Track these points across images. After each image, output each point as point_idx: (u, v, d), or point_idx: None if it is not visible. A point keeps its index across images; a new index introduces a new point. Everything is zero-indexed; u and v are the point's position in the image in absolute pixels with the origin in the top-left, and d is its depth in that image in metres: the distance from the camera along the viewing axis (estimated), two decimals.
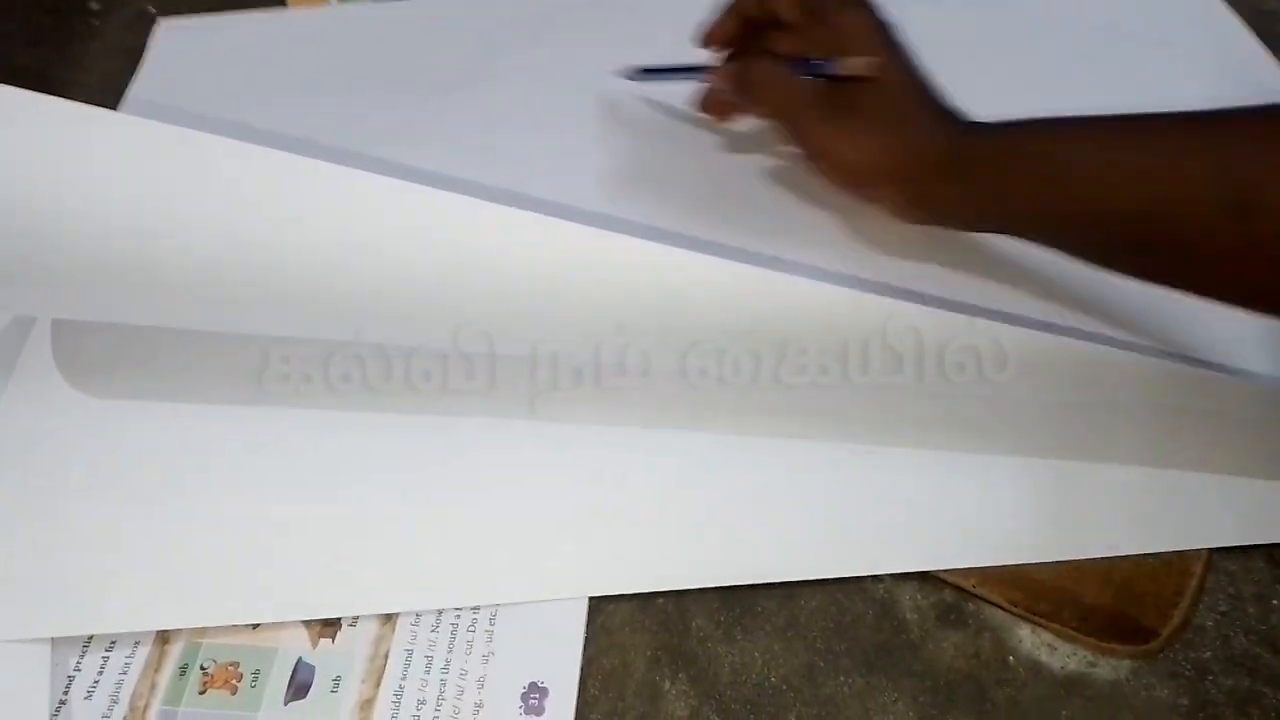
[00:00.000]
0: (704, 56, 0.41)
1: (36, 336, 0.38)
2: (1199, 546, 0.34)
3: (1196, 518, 0.35)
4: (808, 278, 0.32)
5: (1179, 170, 0.31)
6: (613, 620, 0.33)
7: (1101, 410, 0.36)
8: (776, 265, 0.32)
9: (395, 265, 0.31)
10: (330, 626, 0.32)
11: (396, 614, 0.32)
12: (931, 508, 0.35)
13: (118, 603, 0.32)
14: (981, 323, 0.33)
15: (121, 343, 0.36)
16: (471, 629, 0.32)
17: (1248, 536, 0.34)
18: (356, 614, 0.32)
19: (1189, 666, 0.32)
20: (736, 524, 0.34)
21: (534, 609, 0.33)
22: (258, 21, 0.53)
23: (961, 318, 0.33)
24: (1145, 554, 0.34)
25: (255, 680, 0.31)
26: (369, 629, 0.32)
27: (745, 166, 0.44)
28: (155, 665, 0.32)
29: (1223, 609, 0.33)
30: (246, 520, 0.34)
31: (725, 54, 0.41)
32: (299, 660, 0.32)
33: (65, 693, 0.31)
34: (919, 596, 0.34)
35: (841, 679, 0.32)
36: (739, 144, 0.45)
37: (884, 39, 0.37)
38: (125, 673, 0.32)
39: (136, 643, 0.32)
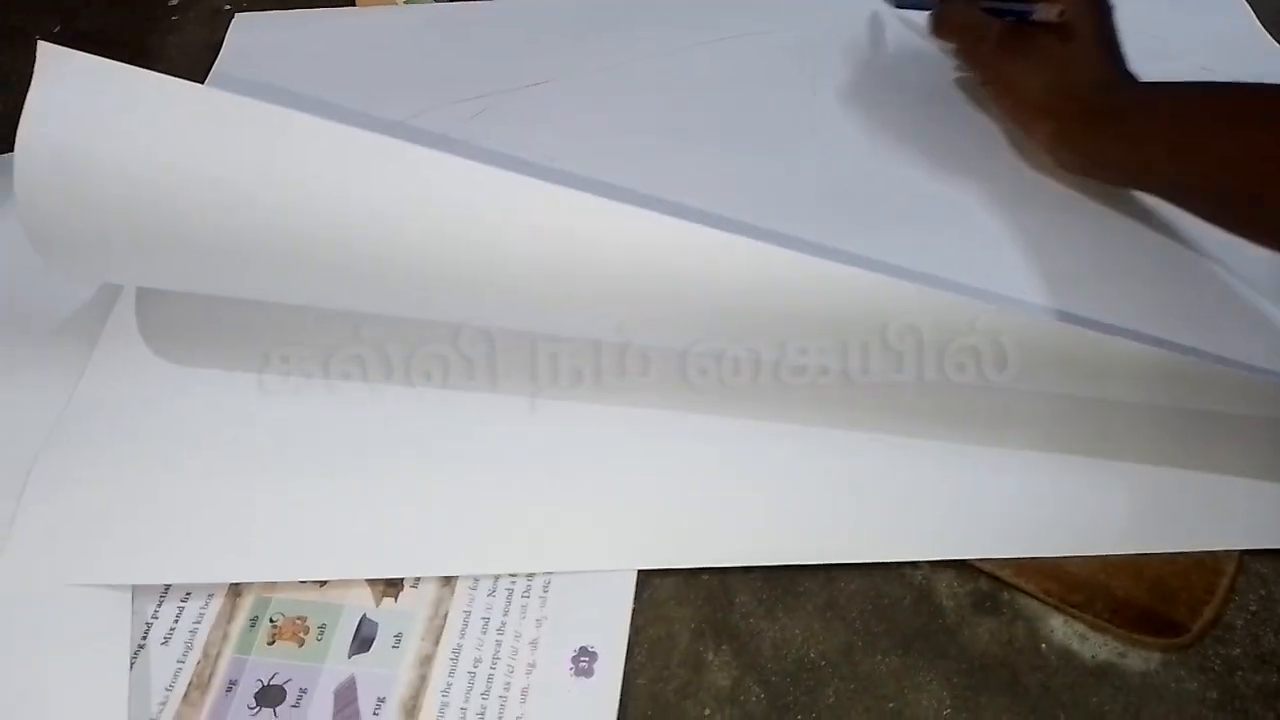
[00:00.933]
0: None
1: (122, 304, 0.40)
2: (1231, 547, 0.35)
3: (1229, 519, 0.36)
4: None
5: None
6: (660, 593, 0.34)
7: (1138, 411, 0.37)
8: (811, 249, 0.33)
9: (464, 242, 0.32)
10: (393, 587, 0.34)
11: (456, 577, 0.34)
12: (970, 499, 0.36)
13: (194, 556, 0.34)
14: (1020, 315, 0.34)
15: (201, 312, 0.39)
16: (526, 595, 0.34)
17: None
18: (419, 575, 0.34)
19: (1218, 661, 0.33)
20: (781, 507, 0.36)
21: (586, 578, 0.34)
22: (328, 18, 0.56)
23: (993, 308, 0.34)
24: (1178, 552, 0.35)
25: (321, 633, 0.33)
26: (430, 590, 0.34)
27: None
28: (228, 616, 0.34)
29: (1253, 609, 0.34)
30: (317, 484, 0.36)
31: None
32: (363, 617, 0.33)
33: (144, 637, 0.33)
34: (955, 584, 0.35)
35: (879, 658, 0.33)
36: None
37: None
38: (199, 622, 0.33)
39: (210, 595, 0.34)
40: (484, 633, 0.33)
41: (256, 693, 0.32)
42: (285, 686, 0.32)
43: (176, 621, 0.33)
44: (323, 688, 0.32)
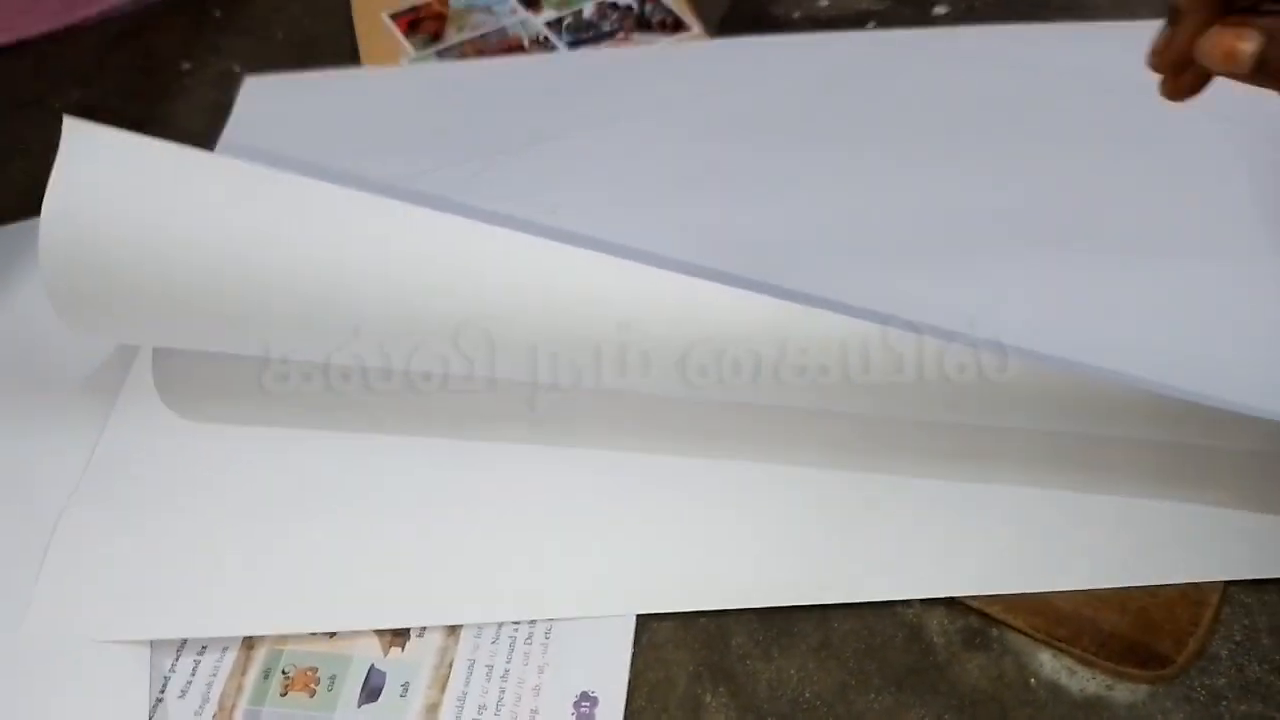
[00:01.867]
0: None
1: (139, 364, 0.42)
2: (1215, 579, 0.36)
3: (1213, 551, 0.36)
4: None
5: None
6: (658, 637, 0.36)
7: (1120, 445, 0.38)
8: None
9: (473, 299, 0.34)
10: (400, 636, 0.35)
11: (461, 626, 0.35)
12: (959, 538, 0.37)
13: (210, 610, 0.36)
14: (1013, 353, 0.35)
15: (216, 370, 0.40)
16: (529, 641, 0.35)
17: (1264, 570, 0.36)
18: (424, 625, 0.35)
19: (1203, 692, 0.34)
20: (774, 550, 0.37)
21: (587, 624, 0.35)
22: (336, 79, 0.58)
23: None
24: (1162, 584, 0.36)
25: (331, 684, 0.34)
26: (435, 639, 0.35)
27: None
28: (242, 669, 0.35)
29: (1238, 639, 0.35)
30: (326, 538, 0.37)
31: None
32: (371, 667, 0.35)
33: (162, 691, 0.34)
34: (946, 621, 0.36)
35: (872, 696, 0.34)
36: None
37: None
38: (215, 675, 0.35)
39: (225, 648, 0.35)
40: (488, 680, 0.34)
41: None
42: None
43: (193, 675, 0.35)
44: None
